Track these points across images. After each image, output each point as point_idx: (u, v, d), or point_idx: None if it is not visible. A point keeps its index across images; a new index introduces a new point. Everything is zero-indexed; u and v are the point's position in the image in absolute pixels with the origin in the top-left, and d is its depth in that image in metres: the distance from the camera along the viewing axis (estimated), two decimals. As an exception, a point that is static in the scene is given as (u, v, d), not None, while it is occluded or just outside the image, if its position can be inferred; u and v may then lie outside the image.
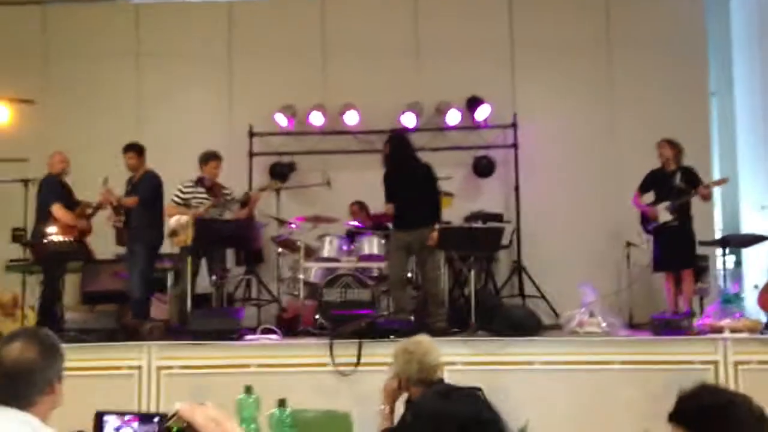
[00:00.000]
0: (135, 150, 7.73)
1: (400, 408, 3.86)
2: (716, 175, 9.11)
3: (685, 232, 7.34)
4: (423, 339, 3.72)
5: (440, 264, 7.42)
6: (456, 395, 1.98)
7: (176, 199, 7.59)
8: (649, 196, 7.61)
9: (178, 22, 9.72)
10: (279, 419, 3.09)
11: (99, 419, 2.75)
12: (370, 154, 9.19)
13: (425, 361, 3.49)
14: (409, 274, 7.60)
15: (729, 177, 8.07)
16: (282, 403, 3.09)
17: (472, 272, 7.13)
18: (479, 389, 1.96)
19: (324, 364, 6.19)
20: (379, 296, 7.53)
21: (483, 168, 9.17)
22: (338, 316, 6.77)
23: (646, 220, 7.57)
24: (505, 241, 8.24)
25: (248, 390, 3.16)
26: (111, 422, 2.74)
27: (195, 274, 7.33)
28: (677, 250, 7.21)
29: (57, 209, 7.45)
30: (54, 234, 7.28)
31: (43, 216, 7.50)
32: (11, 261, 8.17)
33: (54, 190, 7.59)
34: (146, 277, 7.51)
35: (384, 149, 7.38)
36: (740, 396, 1.91)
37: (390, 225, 8.22)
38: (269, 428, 3.12)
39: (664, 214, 7.35)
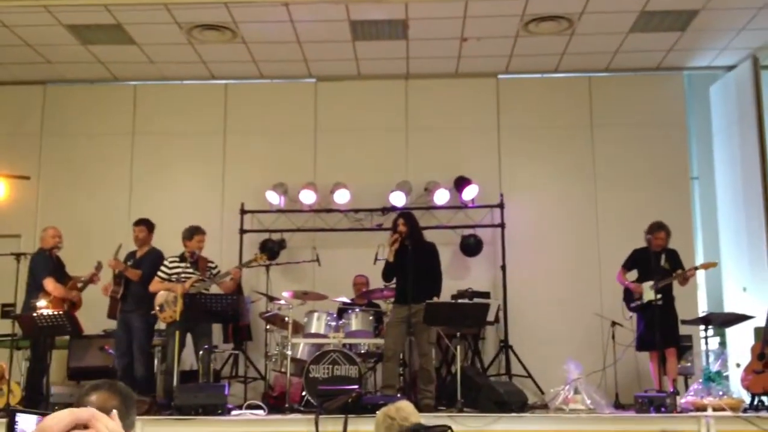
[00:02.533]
0: (146, 225, 7.98)
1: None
2: (699, 257, 9.29)
3: (669, 311, 7.45)
4: (404, 404, 3.76)
5: (434, 340, 7.47)
6: None
7: (161, 274, 7.67)
8: (632, 275, 7.75)
9: (175, 102, 10.01)
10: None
11: None
12: (359, 233, 9.38)
13: (406, 426, 3.52)
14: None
15: (717, 262, 8.14)
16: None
17: (459, 349, 7.18)
18: (449, 427, 2.03)
19: (309, 440, 6.19)
20: (366, 372, 7.55)
21: (470, 247, 9.30)
22: (325, 391, 6.77)
23: (629, 297, 7.69)
24: (491, 318, 8.33)
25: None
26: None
27: (181, 349, 7.37)
28: (661, 329, 7.28)
29: (48, 282, 7.55)
30: (43, 308, 7.34)
31: (34, 290, 7.60)
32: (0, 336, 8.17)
33: (46, 264, 7.71)
34: (146, 352, 7.59)
35: (399, 226, 7.50)
36: None
37: (382, 303, 8.37)
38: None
39: (648, 292, 7.45)
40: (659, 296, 7.34)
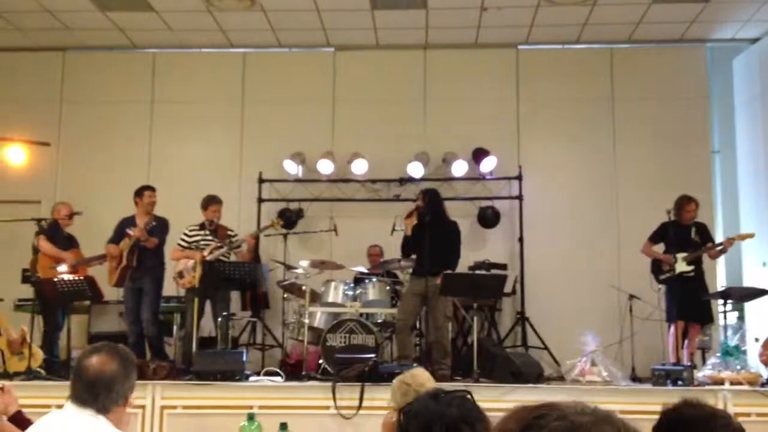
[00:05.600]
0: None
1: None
2: (719, 232, 9.23)
3: (701, 284, 7.46)
4: (419, 371, 3.79)
5: (449, 313, 7.47)
6: (446, 397, 2.07)
7: (182, 243, 7.74)
8: (659, 248, 7.71)
9: (193, 70, 10.00)
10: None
11: None
12: (376, 203, 9.38)
13: (422, 392, 3.55)
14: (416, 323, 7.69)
15: (754, 233, 7.99)
16: (284, 426, 3.18)
17: (476, 321, 7.19)
18: (469, 392, 2.05)
19: (326, 407, 6.22)
20: (382, 342, 7.58)
21: (488, 218, 9.29)
22: (341, 360, 6.81)
23: (657, 269, 7.65)
24: (508, 290, 8.33)
25: (251, 417, 3.24)
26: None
27: (200, 316, 7.43)
28: (693, 303, 7.28)
29: (41, 240, 7.65)
30: (64, 273, 7.41)
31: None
32: (20, 300, 8.26)
33: (46, 230, 7.78)
34: (156, 311, 7.70)
35: (419, 200, 7.49)
36: (721, 411, 1.97)
37: (399, 273, 8.39)
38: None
39: (680, 264, 7.41)
40: (692, 268, 7.32)
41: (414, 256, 7.57)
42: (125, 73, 10.02)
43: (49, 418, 2.71)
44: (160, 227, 7.84)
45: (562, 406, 1.11)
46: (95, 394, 2.62)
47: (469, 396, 2.08)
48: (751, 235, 7.73)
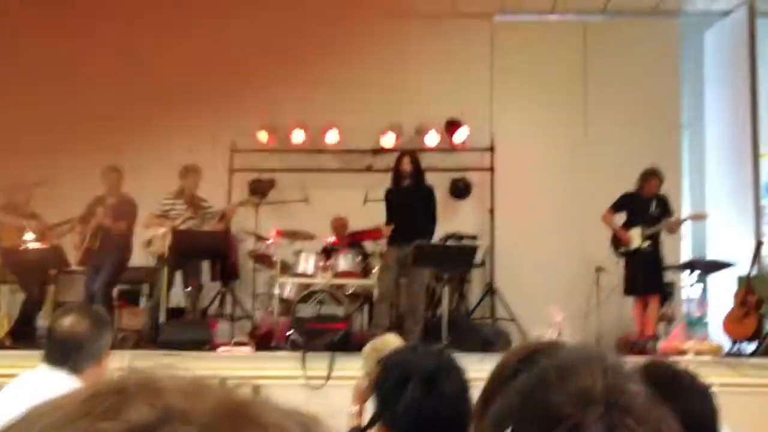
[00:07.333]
0: None
1: (369, 409, 3.93)
2: (686, 205, 9.33)
3: (655, 257, 7.52)
4: (391, 337, 3.82)
5: (425, 282, 7.52)
6: (423, 349, 2.12)
7: (155, 211, 7.66)
8: (621, 217, 7.79)
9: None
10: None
11: None
12: (349, 173, 9.35)
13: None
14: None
15: (707, 214, 8.14)
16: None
17: (446, 292, 7.24)
18: (447, 346, 2.10)
19: (295, 377, 6.25)
20: (352, 313, 7.61)
21: (459, 190, 9.32)
22: (312, 330, 6.83)
23: (617, 242, 7.74)
24: (477, 261, 8.39)
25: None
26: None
27: (170, 286, 7.38)
28: (645, 275, 7.36)
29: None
30: (30, 241, 7.32)
31: None
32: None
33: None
34: (109, 289, 7.53)
35: (402, 164, 7.46)
36: (685, 371, 1.92)
37: (365, 243, 8.41)
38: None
39: (636, 239, 7.49)
40: (648, 243, 7.40)
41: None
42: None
43: (21, 379, 2.70)
44: (126, 210, 7.55)
45: (561, 345, 1.12)
46: (66, 354, 2.62)
47: (445, 349, 2.12)
48: (703, 216, 7.87)
